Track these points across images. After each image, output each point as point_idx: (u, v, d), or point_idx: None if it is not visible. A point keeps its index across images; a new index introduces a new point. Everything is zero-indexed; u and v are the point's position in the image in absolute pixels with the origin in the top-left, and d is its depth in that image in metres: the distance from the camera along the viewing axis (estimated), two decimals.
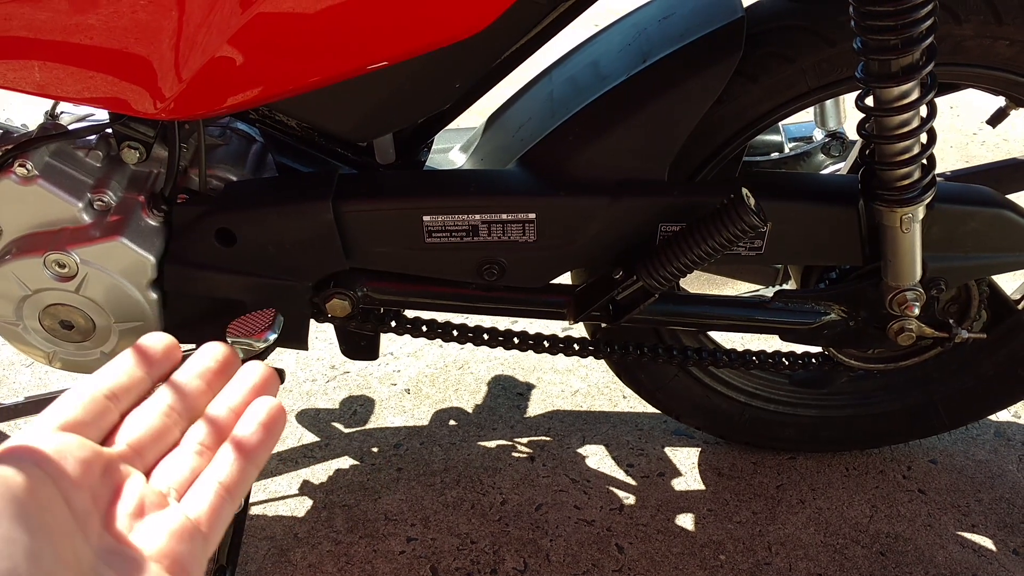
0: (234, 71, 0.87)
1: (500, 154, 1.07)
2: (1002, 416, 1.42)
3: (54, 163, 0.97)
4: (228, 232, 0.99)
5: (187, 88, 0.88)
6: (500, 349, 1.14)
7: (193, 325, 1.05)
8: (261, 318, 0.98)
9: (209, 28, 0.83)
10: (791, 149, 1.29)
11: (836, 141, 1.26)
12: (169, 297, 1.02)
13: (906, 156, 0.91)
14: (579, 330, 1.54)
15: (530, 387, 1.51)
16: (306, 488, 1.32)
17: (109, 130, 1.00)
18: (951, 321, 1.10)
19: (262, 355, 1.12)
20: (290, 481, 1.33)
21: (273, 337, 0.97)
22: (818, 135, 1.28)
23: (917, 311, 1.04)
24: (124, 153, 0.99)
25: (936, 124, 0.92)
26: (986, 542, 1.23)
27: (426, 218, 0.98)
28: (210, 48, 0.84)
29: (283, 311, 1.02)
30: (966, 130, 2.28)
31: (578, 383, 1.52)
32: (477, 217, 0.99)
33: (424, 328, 1.11)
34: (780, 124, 1.30)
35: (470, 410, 1.46)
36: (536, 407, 1.47)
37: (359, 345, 1.17)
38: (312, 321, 1.08)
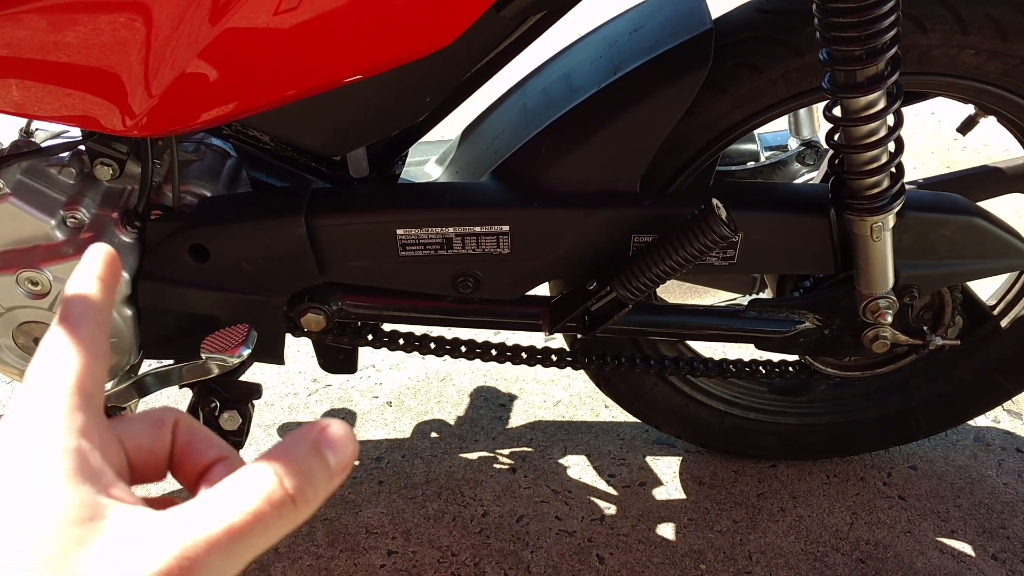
0: (206, 86, 0.87)
1: (475, 166, 1.08)
2: (981, 421, 1.42)
3: (26, 180, 0.97)
4: (202, 248, 0.99)
5: (158, 104, 0.88)
6: (478, 361, 1.14)
7: (168, 341, 1.05)
8: (235, 333, 0.98)
9: (178, 42, 0.83)
10: (767, 158, 1.30)
11: (811, 150, 1.27)
12: (143, 313, 1.02)
13: (874, 165, 0.92)
14: (558, 341, 1.54)
15: (512, 398, 1.51)
16: None
17: (82, 147, 1.00)
18: (925, 328, 1.10)
19: (238, 370, 1.13)
20: None
21: (247, 352, 0.97)
22: (793, 144, 1.29)
23: (890, 318, 1.04)
24: (97, 170, 0.99)
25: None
26: (965, 548, 1.23)
27: (399, 231, 0.98)
28: (180, 63, 0.84)
29: (258, 326, 1.02)
30: (947, 136, 2.29)
31: (560, 393, 1.52)
32: (451, 230, 0.99)
33: (401, 341, 1.11)
34: (756, 133, 1.31)
35: (452, 422, 1.46)
36: (518, 418, 1.47)
37: (337, 359, 1.17)
38: (292, 335, 1.08)
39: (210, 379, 1.06)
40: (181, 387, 1.09)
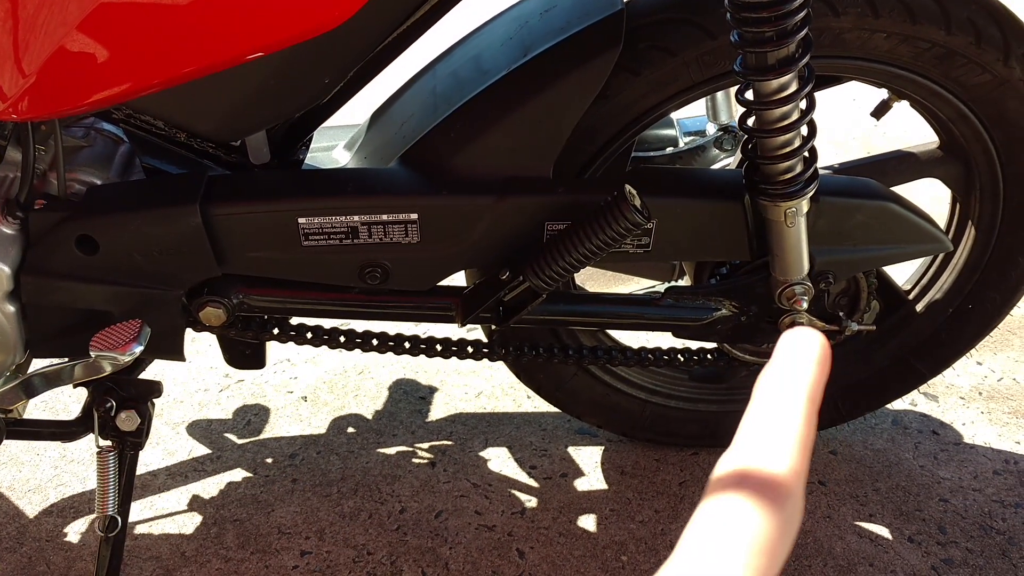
0: (89, 64, 0.81)
1: (383, 152, 1.04)
2: (899, 405, 1.43)
3: None
4: (90, 239, 0.93)
5: (35, 84, 0.82)
6: (390, 354, 1.10)
7: (56, 338, 0.99)
8: (126, 329, 0.92)
9: (50, 12, 0.77)
10: (685, 144, 1.28)
11: (728, 135, 1.25)
12: (28, 310, 0.96)
13: (787, 150, 0.91)
14: (476, 332, 1.51)
15: (432, 390, 1.48)
16: (195, 504, 1.26)
17: None
18: (841, 314, 1.10)
19: (137, 367, 1.07)
20: (179, 497, 1.27)
21: (139, 349, 0.92)
22: (711, 129, 1.27)
23: (806, 305, 1.03)
24: None
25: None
26: (883, 531, 1.24)
27: (301, 220, 0.94)
28: (55, 37, 0.79)
29: (154, 321, 0.96)
30: (868, 123, 2.32)
31: (482, 384, 1.49)
32: (356, 218, 0.95)
33: (309, 335, 1.06)
34: (675, 119, 1.29)
35: (370, 416, 1.42)
36: (439, 411, 1.44)
37: (244, 354, 1.12)
38: (193, 330, 1.03)
39: (104, 378, 1.00)
40: (75, 387, 1.03)
